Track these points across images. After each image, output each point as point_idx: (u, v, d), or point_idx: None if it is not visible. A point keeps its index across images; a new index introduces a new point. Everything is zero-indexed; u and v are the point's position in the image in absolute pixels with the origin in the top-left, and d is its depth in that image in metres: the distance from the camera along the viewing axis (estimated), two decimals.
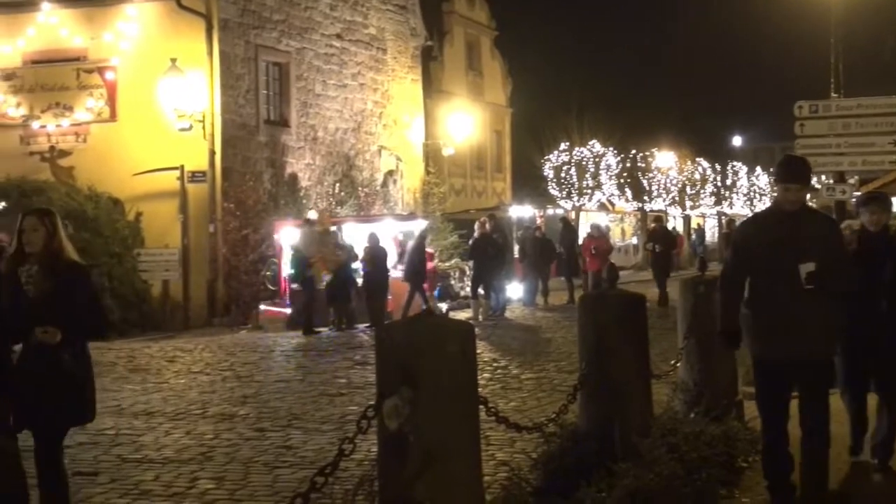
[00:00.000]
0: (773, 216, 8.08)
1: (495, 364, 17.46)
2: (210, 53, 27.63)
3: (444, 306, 27.51)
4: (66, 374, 7.68)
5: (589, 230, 31.10)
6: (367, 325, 24.44)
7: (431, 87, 41.64)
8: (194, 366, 18.77)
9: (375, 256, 24.92)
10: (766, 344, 7.89)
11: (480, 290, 26.33)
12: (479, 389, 6.18)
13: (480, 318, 25.65)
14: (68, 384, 7.73)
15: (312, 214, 26.65)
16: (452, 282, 31.60)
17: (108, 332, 9.76)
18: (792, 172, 7.90)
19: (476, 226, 27.08)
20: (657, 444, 8.20)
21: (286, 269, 26.24)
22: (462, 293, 31.00)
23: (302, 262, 23.99)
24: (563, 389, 14.11)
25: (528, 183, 50.26)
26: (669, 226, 58.19)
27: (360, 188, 33.11)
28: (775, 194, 8.27)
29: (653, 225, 32.36)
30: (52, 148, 28.62)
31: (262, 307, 26.95)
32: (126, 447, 11.45)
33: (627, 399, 8.40)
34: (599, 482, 7.60)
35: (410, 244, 26.25)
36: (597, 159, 48.09)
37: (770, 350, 7.88)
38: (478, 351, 18.46)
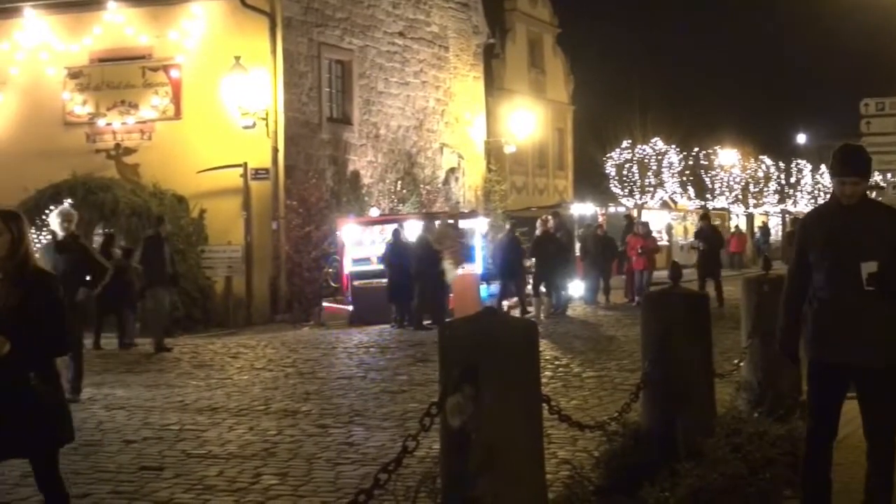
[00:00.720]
0: (831, 210, 7.39)
1: (557, 362, 17.44)
2: (273, 51, 27.74)
3: (505, 304, 27.45)
4: (31, 397, 6.74)
5: (635, 228, 30.80)
6: (427, 322, 24.50)
7: (493, 84, 41.63)
8: (257, 362, 18.91)
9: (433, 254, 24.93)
10: (821, 346, 7.23)
11: (542, 288, 26.30)
12: (541, 387, 6.17)
13: (542, 316, 25.62)
14: (35, 408, 6.78)
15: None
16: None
17: (69, 349, 9.72)
18: (848, 164, 7.22)
19: (538, 223, 27.03)
20: (721, 444, 8.14)
21: (344, 266, 26.46)
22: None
23: (429, 255, 24.01)
24: (625, 388, 14.11)
25: (590, 181, 50.14)
26: (732, 224, 57.97)
27: (421, 185, 33.15)
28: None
29: (699, 223, 31.93)
30: (117, 145, 28.86)
31: (324, 304, 27.09)
32: (190, 442, 11.55)
33: (691, 398, 8.35)
34: (662, 481, 7.56)
35: (500, 239, 26.48)
36: (659, 157, 47.87)
37: (824, 352, 7.21)
38: (539, 349, 18.46)
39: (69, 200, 26.29)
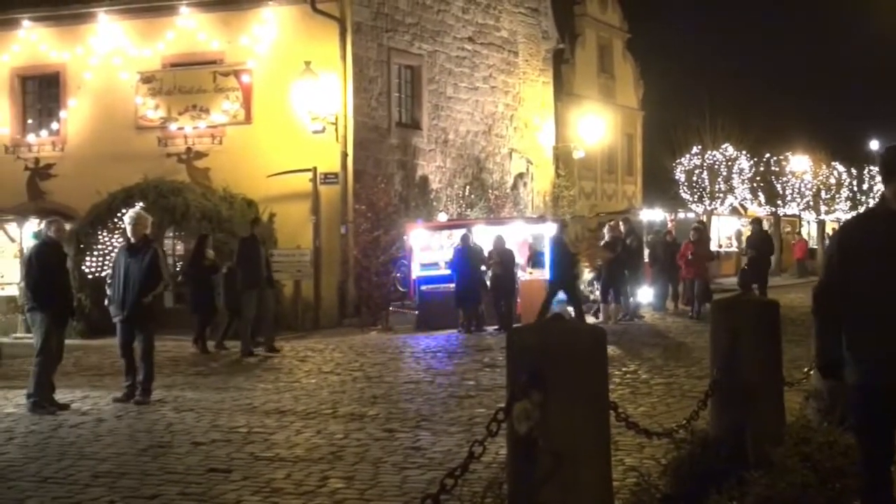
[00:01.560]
0: (880, 217, 6.79)
1: (624, 368, 17.36)
2: (343, 56, 27.85)
3: (571, 310, 27.34)
4: None
5: (690, 234, 29.28)
6: (495, 327, 24.50)
7: (562, 89, 41.53)
8: (325, 366, 19.00)
9: (503, 259, 24.99)
10: (871, 367, 6.62)
11: (611, 294, 26.21)
12: (609, 394, 6.14)
13: (611, 322, 25.54)
14: None
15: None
16: (582, 285, 31.35)
17: None
18: None
19: (607, 229, 26.92)
20: (790, 453, 8.05)
21: (412, 271, 26.52)
22: (591, 297, 30.78)
23: (565, 257, 24.15)
24: (694, 395, 14.00)
25: (659, 186, 49.85)
26: (804, 231, 57.36)
27: (490, 191, 33.14)
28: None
29: (749, 228, 31.23)
30: (188, 150, 29.13)
31: (392, 308, 27.16)
32: (258, 445, 11.62)
33: (760, 406, 8.27)
34: (731, 489, 7.49)
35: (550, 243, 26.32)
36: (729, 163, 47.46)
37: (876, 374, 6.61)
38: (607, 355, 18.35)
39: (141, 203, 26.53)
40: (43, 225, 15.22)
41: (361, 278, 27.64)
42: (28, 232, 27.39)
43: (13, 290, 27.20)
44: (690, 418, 8.11)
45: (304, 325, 27.12)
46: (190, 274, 23.27)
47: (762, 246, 28.52)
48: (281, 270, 27.40)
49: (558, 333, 5.70)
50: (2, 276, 27.61)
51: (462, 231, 26.12)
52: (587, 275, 24.96)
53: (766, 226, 35.20)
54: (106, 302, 15.66)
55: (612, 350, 20.04)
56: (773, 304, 8.76)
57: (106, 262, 27.34)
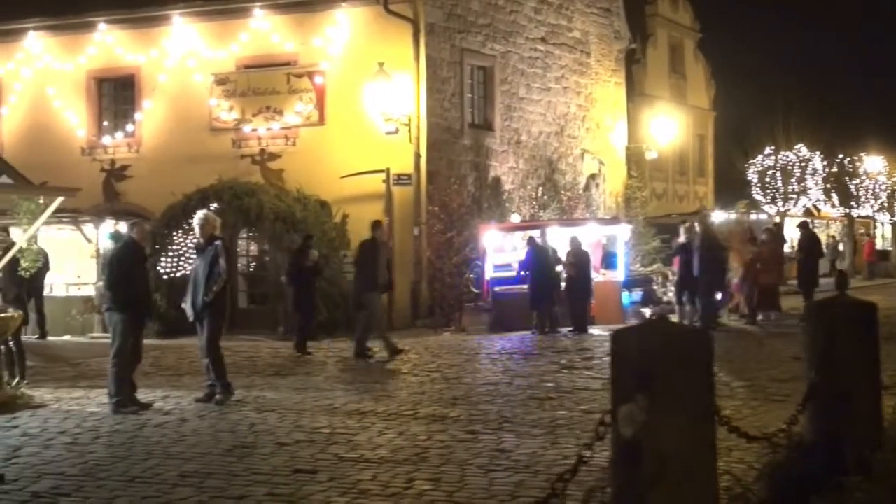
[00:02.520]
0: None
1: None
2: (416, 57, 27.85)
3: (646, 311, 27.17)
4: None
5: (763, 235, 28.38)
6: (569, 328, 24.39)
7: (634, 90, 41.27)
8: (403, 367, 19.00)
9: (578, 260, 24.87)
10: None
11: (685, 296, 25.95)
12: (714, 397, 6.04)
13: (686, 324, 25.32)
14: None
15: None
16: (655, 287, 31.15)
17: None
18: None
19: (681, 230, 26.63)
20: (890, 458, 7.91)
21: (485, 272, 26.48)
22: (664, 298, 30.57)
23: (712, 252, 24.23)
24: (778, 399, 13.89)
25: (731, 187, 49.39)
26: (878, 233, 56.64)
27: (562, 192, 33.00)
28: None
29: (799, 231, 30.50)
30: (262, 151, 29.26)
31: (467, 308, 27.12)
32: (342, 446, 11.60)
33: (857, 410, 8.12)
34: (830, 496, 7.37)
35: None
36: (802, 163, 46.99)
37: None
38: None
39: (215, 205, 26.72)
40: (125, 226, 15.32)
41: (434, 279, 27.65)
42: (104, 233, 27.64)
43: (90, 290, 27.49)
44: (790, 422, 7.99)
45: (378, 326, 27.08)
46: (293, 275, 22.99)
47: (808, 249, 28.02)
48: (353, 272, 27.50)
49: (665, 335, 5.63)
50: (78, 277, 27.90)
51: (534, 232, 25.99)
52: (733, 271, 24.72)
53: (813, 228, 34.10)
54: (182, 303, 15.73)
55: None
56: (870, 305, 8.60)
57: (180, 263, 27.58)
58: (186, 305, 15.28)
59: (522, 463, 10.65)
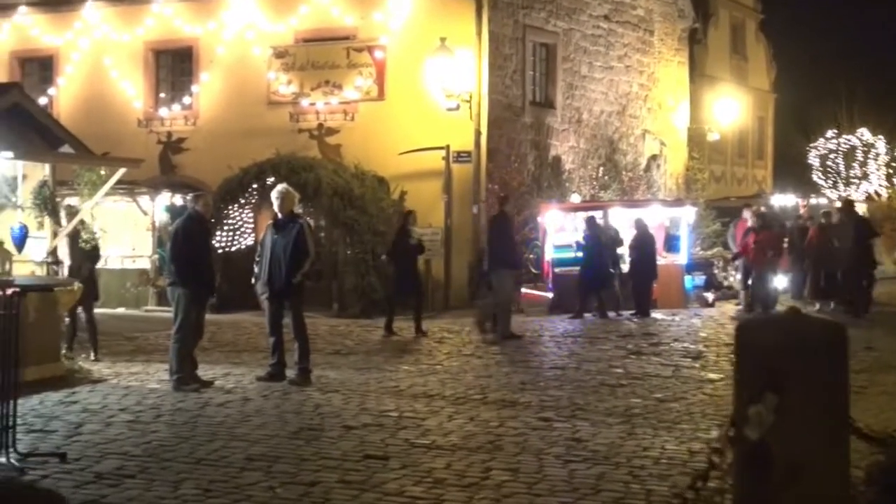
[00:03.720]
0: None
1: None
2: (479, 33, 27.34)
3: (709, 296, 26.65)
4: None
5: (820, 219, 26.83)
6: (631, 312, 23.91)
7: (694, 70, 40.58)
8: (464, 348, 18.61)
9: (643, 242, 24.35)
10: None
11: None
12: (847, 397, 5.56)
13: (743, 308, 24.90)
14: None
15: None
16: (716, 271, 30.53)
17: None
18: None
19: (746, 214, 26.04)
20: None
21: (545, 252, 26.03)
22: (725, 283, 30.02)
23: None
24: (855, 389, 13.32)
25: (791, 171, 48.66)
26: None
27: (623, 172, 32.43)
28: None
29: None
30: (320, 126, 28.86)
31: (524, 290, 26.61)
32: (412, 431, 11.20)
33: None
34: None
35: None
36: (865, 148, 46.16)
37: None
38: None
39: (272, 179, 26.40)
40: (181, 198, 14.92)
41: None
42: (160, 205, 27.40)
43: (145, 263, 27.27)
44: None
45: (434, 304, 26.75)
46: (394, 253, 21.89)
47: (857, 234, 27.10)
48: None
49: (797, 329, 5.16)
50: (133, 249, 27.64)
51: (592, 213, 25.43)
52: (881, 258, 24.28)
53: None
54: (252, 280, 15.30)
55: None
56: None
57: (236, 238, 27.29)
58: (260, 283, 14.83)
59: (601, 454, 10.23)
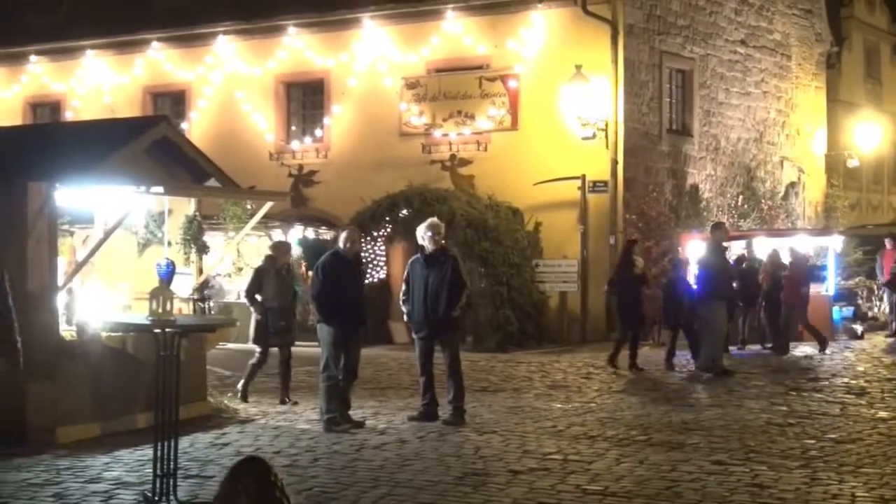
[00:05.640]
0: None
1: None
2: (615, 60, 26.72)
3: (859, 328, 25.69)
4: None
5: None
6: (769, 345, 23.06)
7: (828, 95, 39.52)
8: (614, 384, 18.02)
9: (774, 273, 23.35)
10: None
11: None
12: None
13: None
14: None
15: None
16: (860, 301, 29.48)
17: None
18: None
19: (888, 242, 25.08)
20: None
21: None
22: (870, 314, 29.03)
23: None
24: None
25: None
26: None
27: (762, 201, 31.50)
28: None
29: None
30: (452, 156, 28.44)
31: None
32: (580, 476, 10.66)
33: None
34: None
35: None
36: None
37: None
38: None
39: (405, 211, 26.08)
40: (335, 234, 14.52)
41: None
42: (292, 239, 27.16)
43: None
44: None
45: (570, 337, 26.19)
46: (618, 283, 21.09)
47: None
48: (546, 281, 26.60)
49: None
50: None
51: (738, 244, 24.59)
52: None
53: None
54: (405, 318, 14.84)
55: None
56: None
57: (369, 271, 26.93)
58: (414, 321, 14.33)
59: (789, 501, 9.60)
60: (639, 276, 20.70)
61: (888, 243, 26.59)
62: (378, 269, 27.30)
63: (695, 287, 20.18)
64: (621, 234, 26.39)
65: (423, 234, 14.34)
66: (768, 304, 23.38)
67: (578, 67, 26.29)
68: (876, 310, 29.50)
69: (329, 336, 13.90)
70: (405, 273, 14.70)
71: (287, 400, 15.77)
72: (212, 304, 23.06)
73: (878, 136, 39.59)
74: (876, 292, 29.80)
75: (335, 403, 13.70)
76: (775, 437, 12.75)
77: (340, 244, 14.24)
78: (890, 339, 24.59)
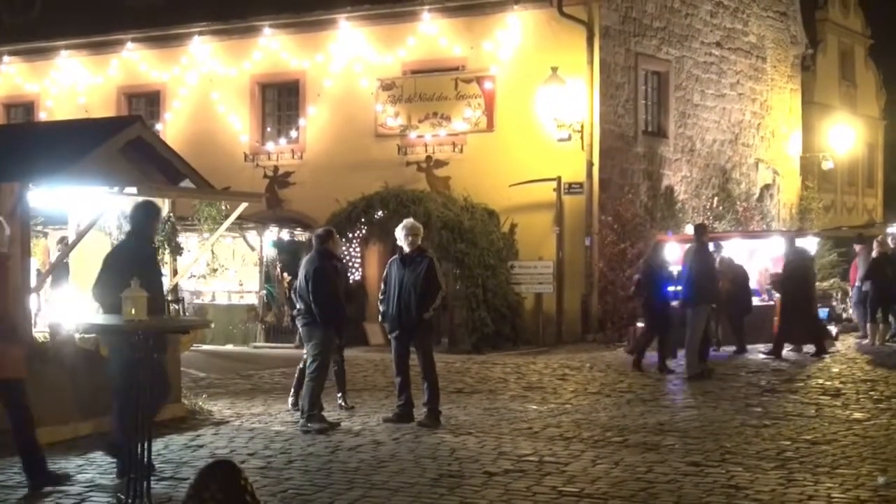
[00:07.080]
0: None
1: None
2: (590, 62, 26.70)
3: (833, 329, 25.72)
4: None
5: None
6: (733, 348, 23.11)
7: (803, 97, 39.65)
8: (589, 385, 18.01)
9: (733, 275, 23.33)
10: None
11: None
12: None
13: (877, 342, 23.98)
14: None
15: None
16: (834, 303, 29.56)
17: None
18: None
19: (875, 244, 25.19)
20: None
21: None
22: (844, 315, 29.10)
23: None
24: None
25: None
26: None
27: (737, 202, 31.58)
28: None
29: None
30: (428, 158, 28.40)
31: (639, 325, 25.89)
32: (556, 477, 10.63)
33: None
34: None
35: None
36: None
37: None
38: (875, 377, 16.92)
39: (380, 212, 26.03)
40: (319, 234, 14.39)
41: (606, 292, 26.52)
42: (267, 240, 27.12)
43: (252, 299, 26.99)
44: None
45: (546, 339, 26.16)
46: (644, 285, 20.82)
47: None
48: (522, 283, 26.57)
49: None
50: (241, 285, 27.36)
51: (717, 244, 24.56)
52: None
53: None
54: (380, 318, 14.81)
55: (880, 372, 18.69)
56: None
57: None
58: (388, 321, 14.29)
59: (765, 502, 9.62)
60: (668, 276, 20.57)
61: (856, 246, 26.84)
62: (354, 270, 27.23)
63: (676, 290, 20.17)
64: (597, 235, 26.42)
65: (400, 235, 14.31)
66: (732, 308, 23.24)
67: (554, 69, 26.29)
68: (850, 311, 29.59)
69: (326, 338, 13.86)
70: (385, 273, 14.68)
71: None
72: (186, 304, 22.91)
73: (852, 138, 39.86)
74: (849, 294, 29.89)
75: (318, 403, 13.68)
76: (751, 439, 12.76)
77: (325, 246, 14.18)
78: (863, 341, 24.63)
